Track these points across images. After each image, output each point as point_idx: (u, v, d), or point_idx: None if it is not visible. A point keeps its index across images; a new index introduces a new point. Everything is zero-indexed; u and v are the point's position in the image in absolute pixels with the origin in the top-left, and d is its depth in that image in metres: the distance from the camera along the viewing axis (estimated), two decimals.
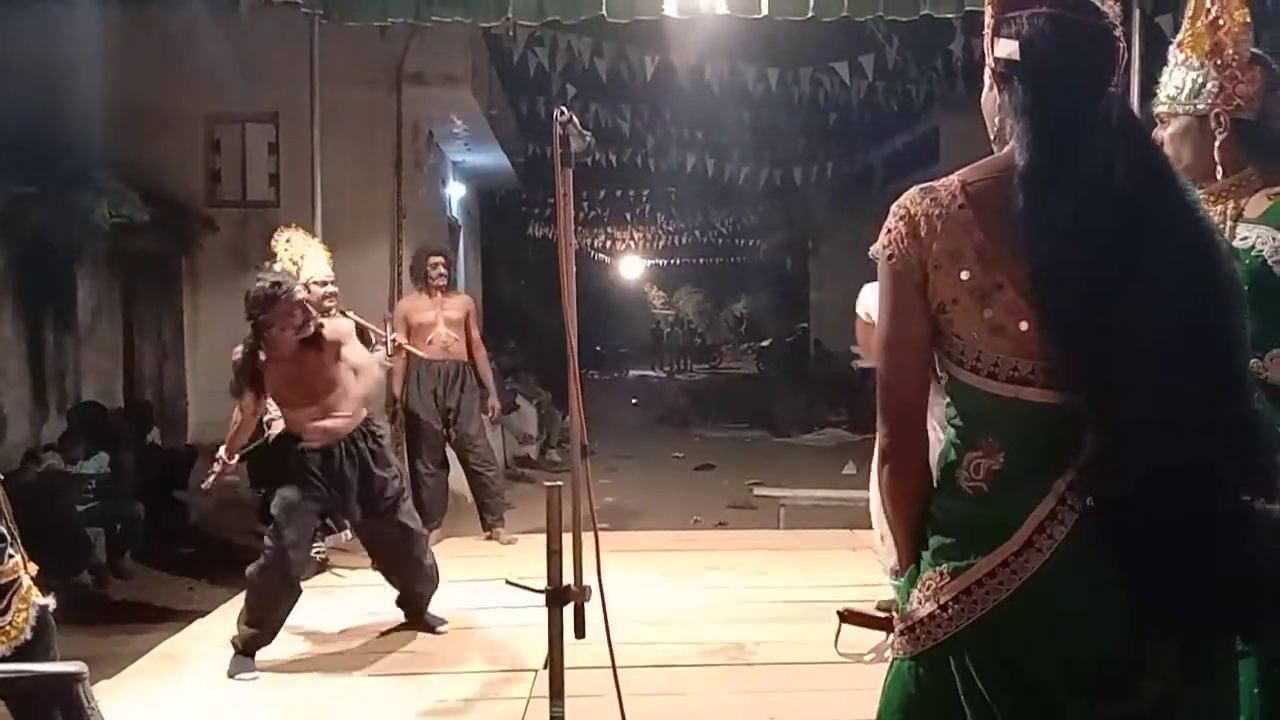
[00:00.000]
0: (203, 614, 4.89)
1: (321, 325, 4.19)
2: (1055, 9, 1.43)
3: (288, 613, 4.15)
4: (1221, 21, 2.12)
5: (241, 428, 4.30)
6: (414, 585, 4.46)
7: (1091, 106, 1.42)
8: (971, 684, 1.41)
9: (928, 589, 1.46)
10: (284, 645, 4.27)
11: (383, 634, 4.48)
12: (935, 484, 1.52)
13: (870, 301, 3.99)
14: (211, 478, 4.40)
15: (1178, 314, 1.34)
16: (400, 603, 4.52)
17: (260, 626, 4.06)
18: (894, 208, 1.49)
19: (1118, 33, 1.46)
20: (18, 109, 6.53)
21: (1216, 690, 1.41)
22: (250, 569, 4.07)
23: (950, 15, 5.82)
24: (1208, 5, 2.14)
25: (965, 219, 1.43)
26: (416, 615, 4.50)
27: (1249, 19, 2.14)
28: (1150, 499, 1.33)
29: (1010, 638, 1.39)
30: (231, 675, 3.97)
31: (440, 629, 4.47)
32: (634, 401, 18.21)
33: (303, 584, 5.23)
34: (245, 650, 4.03)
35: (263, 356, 4.06)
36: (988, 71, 1.53)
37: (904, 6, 5.50)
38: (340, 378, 4.21)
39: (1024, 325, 1.39)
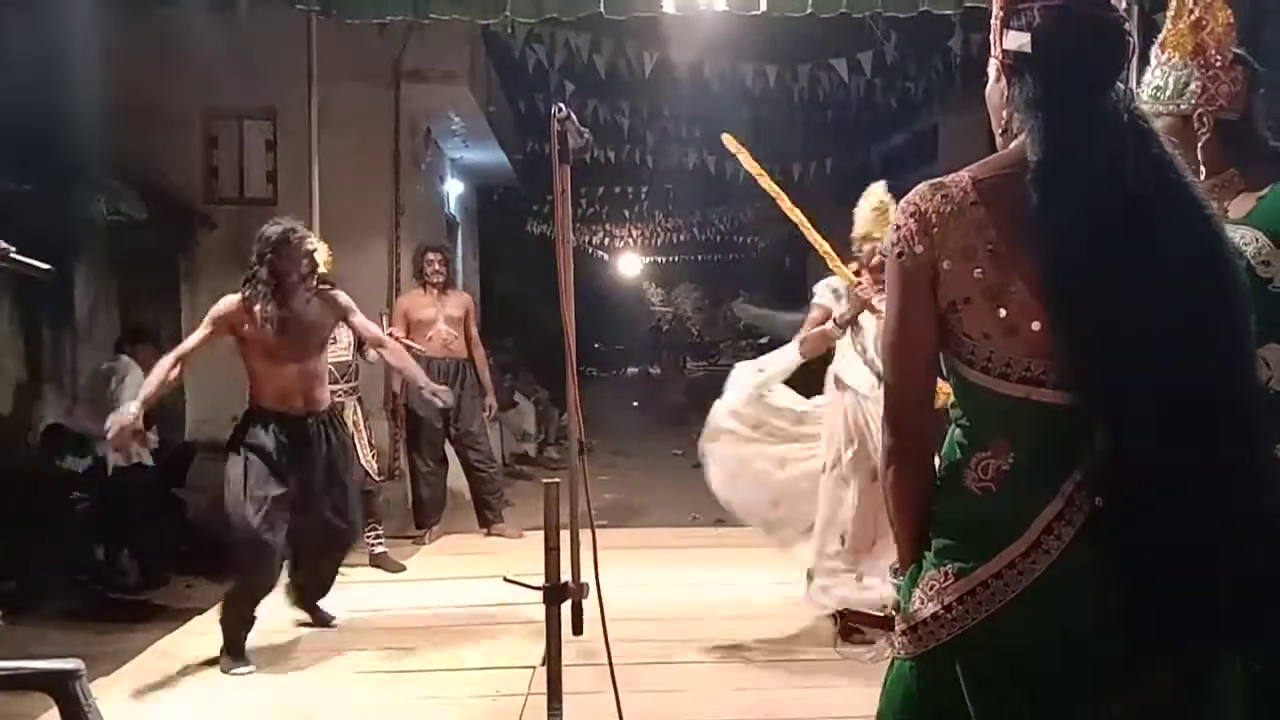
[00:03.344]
0: (200, 611, 4.88)
1: (331, 286, 4.18)
2: (1067, 1, 1.42)
3: (257, 604, 4.07)
4: (1204, 22, 2.11)
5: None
6: (314, 584, 4.42)
7: (1102, 100, 1.41)
8: (976, 685, 1.41)
9: (931, 589, 1.45)
10: (283, 642, 4.27)
11: (381, 631, 4.48)
12: (939, 484, 1.50)
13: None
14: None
15: (1186, 313, 1.33)
16: (294, 597, 4.45)
17: (236, 621, 4.02)
18: (903, 204, 1.47)
19: (1127, 26, 1.45)
20: (14, 106, 6.51)
21: (1219, 690, 1.40)
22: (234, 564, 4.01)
23: (949, 11, 5.82)
24: (1190, 5, 2.13)
25: (977, 216, 1.41)
26: (309, 612, 4.48)
27: (1232, 19, 2.13)
28: (1157, 500, 1.32)
29: (1016, 639, 1.38)
30: (225, 670, 3.96)
31: (333, 623, 4.50)
32: (632, 400, 18.19)
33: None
34: (231, 648, 4.02)
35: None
36: (994, 63, 1.51)
37: (903, 2, 5.49)
38: (323, 351, 4.20)
39: (1036, 325, 1.37)
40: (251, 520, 3.90)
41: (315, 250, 4.17)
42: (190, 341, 4.07)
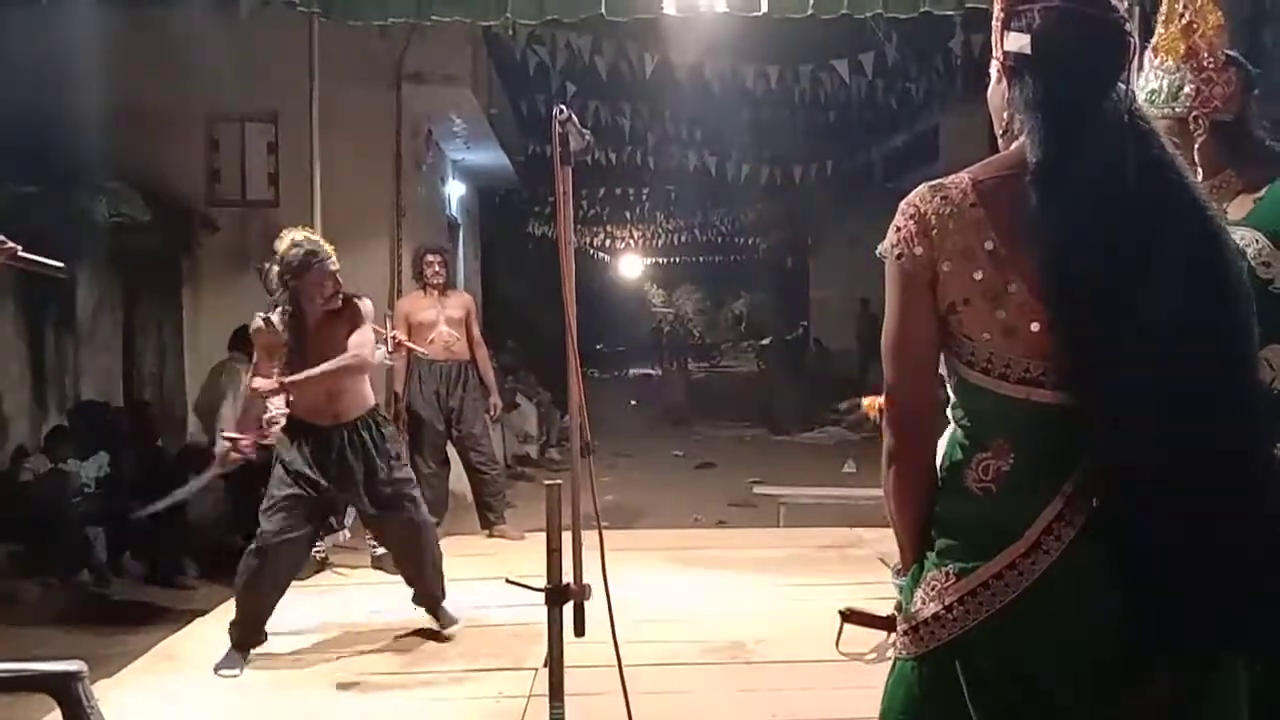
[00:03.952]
0: (202, 613, 4.88)
1: (355, 299, 4.21)
2: (1067, 2, 1.42)
3: (267, 608, 4.10)
4: (1195, 25, 2.12)
5: (249, 404, 4.26)
6: (421, 584, 4.42)
7: (1103, 101, 1.41)
8: (976, 685, 1.41)
9: (932, 589, 1.45)
10: (284, 644, 4.27)
11: (383, 633, 4.48)
12: (940, 484, 1.50)
13: None
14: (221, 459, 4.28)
15: (1186, 315, 1.33)
16: (415, 600, 4.48)
17: (242, 623, 4.06)
18: (903, 205, 1.47)
19: (1129, 27, 1.45)
20: (17, 108, 6.52)
21: (1220, 691, 1.40)
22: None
23: (950, 12, 5.82)
24: (1180, 10, 2.14)
25: (977, 217, 1.41)
26: (431, 613, 4.46)
27: (1222, 22, 2.14)
28: (1157, 501, 1.32)
29: (1016, 639, 1.38)
30: (215, 669, 3.96)
31: (448, 630, 4.40)
32: (633, 401, 18.20)
33: (303, 583, 5.26)
34: (236, 645, 4.05)
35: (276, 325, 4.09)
36: (995, 65, 1.51)
37: (904, 3, 5.48)
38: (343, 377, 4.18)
39: (1036, 326, 1.37)
40: (261, 516, 4.06)
41: (337, 270, 4.19)
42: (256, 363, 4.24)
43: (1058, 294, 1.36)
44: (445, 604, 4.44)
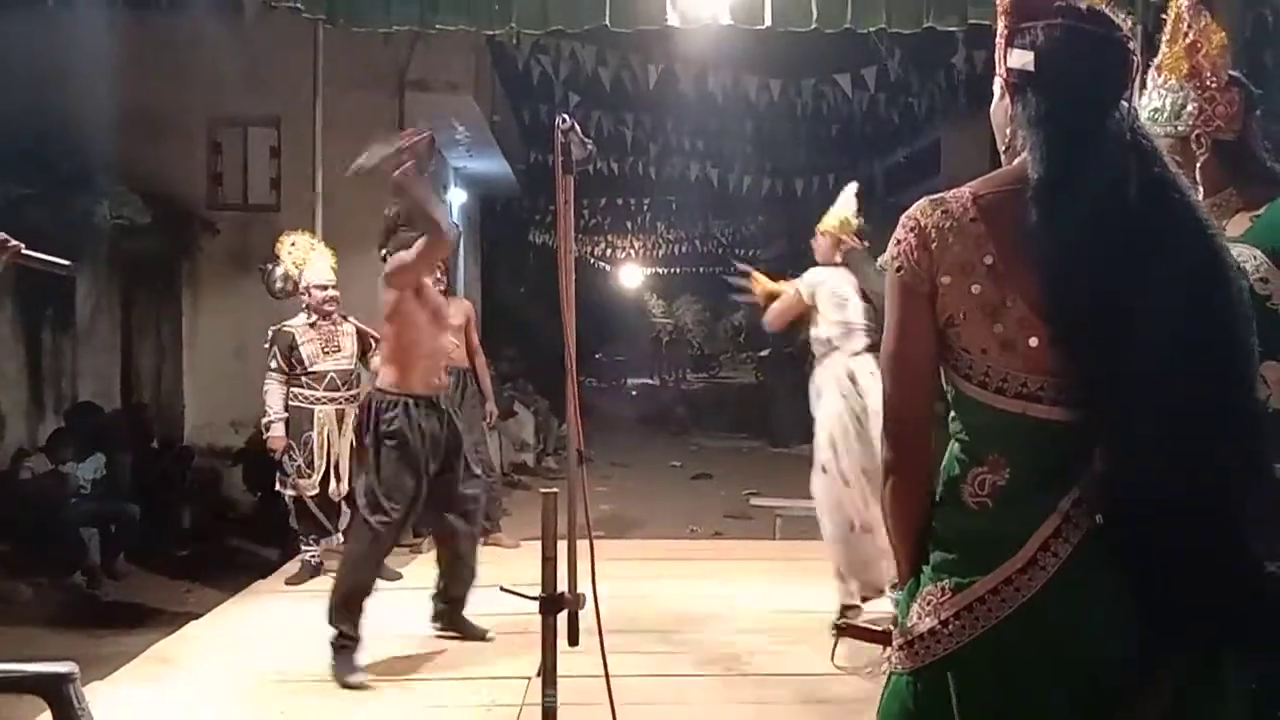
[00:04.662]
0: (196, 616, 4.87)
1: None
2: (1070, 20, 1.42)
3: (371, 585, 4.10)
4: (1199, 45, 2.13)
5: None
6: (455, 582, 4.40)
7: (1106, 119, 1.41)
8: (971, 701, 1.40)
9: (928, 604, 1.44)
10: (276, 649, 4.26)
11: (375, 639, 4.46)
12: (938, 498, 1.50)
13: (810, 282, 4.67)
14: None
15: (1186, 333, 1.33)
16: (439, 610, 4.44)
17: (348, 601, 4.01)
18: (904, 219, 1.48)
19: (1132, 45, 1.46)
20: (21, 111, 6.54)
21: (1215, 713, 1.40)
22: (349, 546, 4.14)
23: (953, 28, 5.83)
24: (1184, 29, 2.15)
25: (977, 232, 1.42)
26: (455, 619, 4.43)
27: (1226, 42, 2.15)
28: (1158, 515, 1.32)
29: (1011, 655, 1.38)
30: (343, 683, 3.88)
31: (489, 636, 4.39)
32: (634, 414, 18.20)
33: (296, 588, 5.27)
34: (347, 635, 3.98)
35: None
36: (999, 82, 1.52)
37: (907, 19, 5.51)
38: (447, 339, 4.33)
39: (1034, 341, 1.37)
40: (380, 497, 4.03)
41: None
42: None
43: (1057, 310, 1.36)
44: (430, 616, 4.43)
